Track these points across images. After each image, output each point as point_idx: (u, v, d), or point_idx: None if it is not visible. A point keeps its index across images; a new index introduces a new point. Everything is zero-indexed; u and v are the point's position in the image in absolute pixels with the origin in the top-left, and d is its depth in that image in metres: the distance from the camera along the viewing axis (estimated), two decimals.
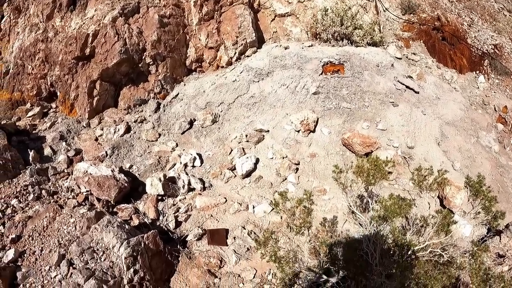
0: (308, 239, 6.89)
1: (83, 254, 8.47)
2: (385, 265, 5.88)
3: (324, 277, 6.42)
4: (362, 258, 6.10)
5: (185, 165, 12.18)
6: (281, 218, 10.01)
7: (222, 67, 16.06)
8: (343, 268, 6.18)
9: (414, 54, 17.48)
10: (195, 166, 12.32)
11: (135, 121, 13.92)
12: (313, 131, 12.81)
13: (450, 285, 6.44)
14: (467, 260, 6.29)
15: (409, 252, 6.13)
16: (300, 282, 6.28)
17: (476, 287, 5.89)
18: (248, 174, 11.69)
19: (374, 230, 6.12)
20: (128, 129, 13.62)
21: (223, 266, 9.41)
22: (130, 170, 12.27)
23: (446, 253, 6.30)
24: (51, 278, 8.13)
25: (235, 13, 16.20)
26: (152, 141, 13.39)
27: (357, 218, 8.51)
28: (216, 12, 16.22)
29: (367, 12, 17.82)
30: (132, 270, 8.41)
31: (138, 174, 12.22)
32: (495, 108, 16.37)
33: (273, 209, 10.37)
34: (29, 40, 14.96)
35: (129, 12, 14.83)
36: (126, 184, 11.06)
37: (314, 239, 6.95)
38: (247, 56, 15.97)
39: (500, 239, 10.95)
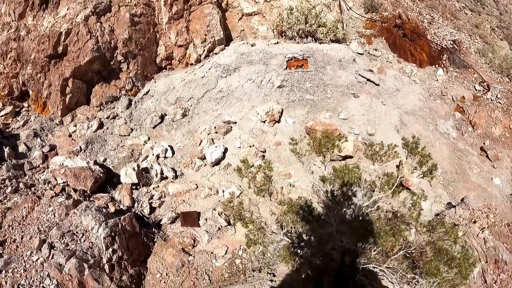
0: (270, 204, 7.99)
1: (64, 237, 9.33)
2: (340, 222, 7.04)
3: (286, 239, 7.51)
4: (320, 218, 7.27)
5: (157, 156, 13.23)
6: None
7: (191, 64, 17.21)
8: (303, 227, 7.32)
9: (376, 49, 18.99)
10: (167, 157, 13.41)
11: (107, 117, 14.84)
12: (278, 121, 14.08)
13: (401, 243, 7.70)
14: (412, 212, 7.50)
15: (359, 209, 7.35)
16: (265, 244, 7.36)
17: (419, 231, 7.14)
18: (217, 162, 12.80)
19: (329, 195, 7.29)
20: (101, 125, 14.54)
21: (197, 245, 10.52)
22: (104, 163, 13.22)
23: (392, 207, 7.53)
24: (33, 261, 8.84)
25: (204, 12, 17.34)
26: (124, 135, 14.37)
27: (320, 196, 9.67)
28: (185, 11, 17.30)
29: (331, 11, 19.15)
30: (110, 249, 9.38)
31: (112, 166, 13.21)
32: (453, 99, 17.99)
33: (241, 192, 11.51)
34: (0, 39, 15.58)
35: (101, 11, 15.71)
36: (101, 174, 11.99)
37: (276, 203, 8.00)
38: (215, 54, 17.18)
39: (455, 211, 12.38)
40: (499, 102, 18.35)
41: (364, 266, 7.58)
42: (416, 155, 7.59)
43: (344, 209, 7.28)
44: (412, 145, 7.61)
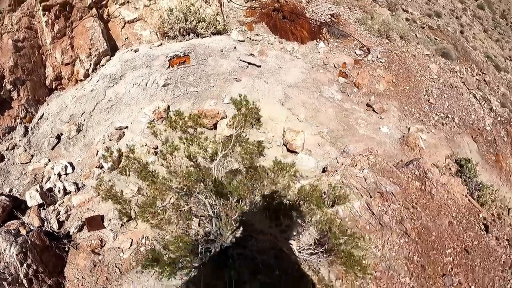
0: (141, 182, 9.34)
1: None
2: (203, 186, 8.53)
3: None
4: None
5: (59, 175, 14.41)
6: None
7: (81, 80, 18.37)
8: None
9: (257, 35, 20.83)
10: (68, 174, 14.67)
11: (7, 149, 15.64)
12: (166, 117, 15.41)
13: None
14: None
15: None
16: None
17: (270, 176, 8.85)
18: (114, 168, 13.97)
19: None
20: (1, 158, 15.32)
21: (104, 245, 12.00)
22: (11, 193, 14.11)
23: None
24: None
25: (86, 26, 18.48)
26: (26, 163, 15.38)
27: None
28: (67, 29, 18.30)
29: (210, 5, 20.77)
30: (25, 265, 10.63)
31: (19, 194, 14.27)
32: (335, 66, 20.21)
33: (138, 188, 12.79)
34: None
35: None
36: (8, 203, 13.02)
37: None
38: (102, 65, 18.40)
39: (337, 161, 14.39)
40: (380, 62, 20.72)
41: (239, 219, 9.13)
42: (244, 110, 9.10)
43: (203, 173, 8.77)
44: (241, 102, 9.11)
